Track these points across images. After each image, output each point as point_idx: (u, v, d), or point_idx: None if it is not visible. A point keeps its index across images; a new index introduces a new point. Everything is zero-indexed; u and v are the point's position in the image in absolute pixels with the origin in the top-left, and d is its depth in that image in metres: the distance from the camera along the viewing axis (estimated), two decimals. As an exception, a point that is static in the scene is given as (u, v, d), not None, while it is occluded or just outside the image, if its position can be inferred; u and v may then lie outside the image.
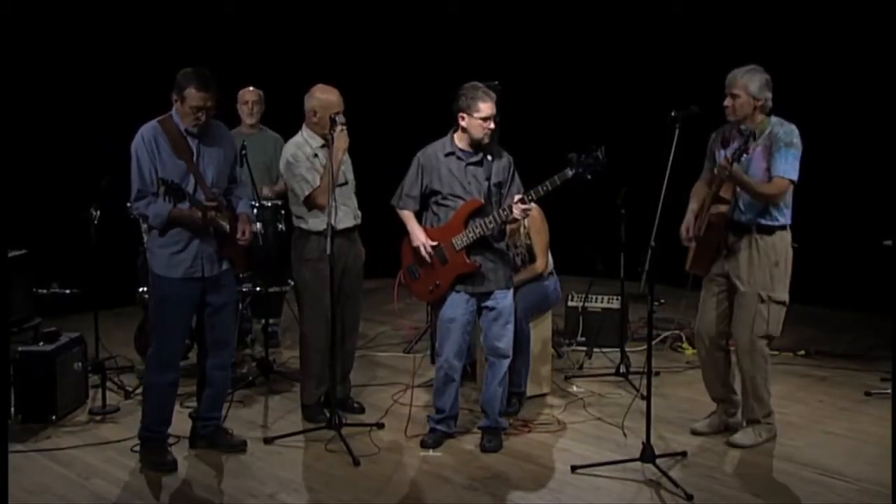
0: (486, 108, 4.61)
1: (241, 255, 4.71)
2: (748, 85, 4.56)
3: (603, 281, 6.73)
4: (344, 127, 4.94)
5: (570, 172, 4.43)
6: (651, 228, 5.09)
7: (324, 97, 5.04)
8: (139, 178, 4.42)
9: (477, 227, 4.63)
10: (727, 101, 4.62)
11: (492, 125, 4.65)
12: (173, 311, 4.53)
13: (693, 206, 4.86)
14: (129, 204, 4.66)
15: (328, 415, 4.94)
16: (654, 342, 5.09)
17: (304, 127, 5.17)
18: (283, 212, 5.87)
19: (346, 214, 5.12)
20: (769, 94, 4.60)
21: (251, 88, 6.60)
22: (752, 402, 4.76)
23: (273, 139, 6.56)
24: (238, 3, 8.20)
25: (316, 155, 5.04)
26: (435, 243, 4.72)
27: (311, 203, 5.03)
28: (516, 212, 4.51)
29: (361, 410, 5.39)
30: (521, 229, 5.44)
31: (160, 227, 4.44)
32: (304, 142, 5.11)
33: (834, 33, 7.39)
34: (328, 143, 4.90)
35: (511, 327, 4.81)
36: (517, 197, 4.55)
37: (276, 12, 8.49)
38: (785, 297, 4.68)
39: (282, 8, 8.52)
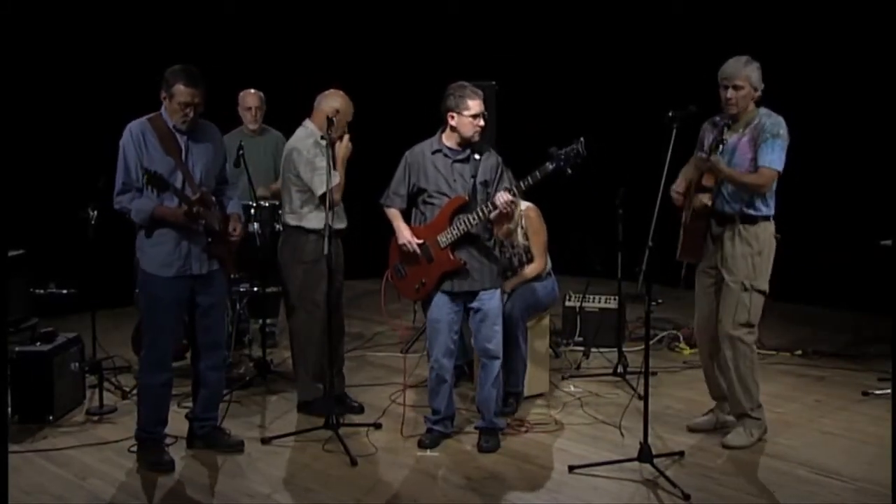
0: (475, 105, 4.62)
1: (230, 257, 4.70)
2: (750, 76, 4.56)
3: (600, 281, 6.73)
4: (348, 136, 5.08)
5: (550, 167, 4.44)
6: (648, 228, 5.10)
7: (346, 103, 5.15)
8: (124, 172, 4.41)
9: (461, 224, 4.63)
10: (730, 94, 4.59)
11: (482, 122, 4.66)
12: (165, 311, 4.52)
13: (679, 181, 4.80)
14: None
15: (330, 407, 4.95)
16: (651, 342, 5.09)
17: (308, 121, 5.17)
18: (280, 212, 5.87)
19: (340, 216, 5.22)
20: (762, 84, 4.61)
21: (252, 91, 6.54)
22: (739, 394, 4.75)
23: (276, 138, 6.54)
24: (237, 3, 8.20)
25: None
26: (421, 241, 4.72)
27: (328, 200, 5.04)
28: (500, 200, 4.49)
29: (361, 410, 5.40)
30: (519, 230, 5.43)
31: (143, 222, 4.43)
32: (312, 135, 5.13)
33: (833, 32, 7.40)
34: (329, 143, 4.93)
35: (499, 328, 4.80)
36: (504, 187, 4.58)
37: (273, 11, 8.48)
38: (765, 286, 4.70)
39: (279, 7, 8.52)
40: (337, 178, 4.99)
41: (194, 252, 4.52)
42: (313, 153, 5.05)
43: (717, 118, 4.77)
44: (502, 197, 4.50)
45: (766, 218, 4.67)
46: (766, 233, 4.67)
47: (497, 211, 4.55)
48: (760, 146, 4.56)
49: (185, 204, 4.38)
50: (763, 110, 4.65)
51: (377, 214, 5.00)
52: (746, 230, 4.64)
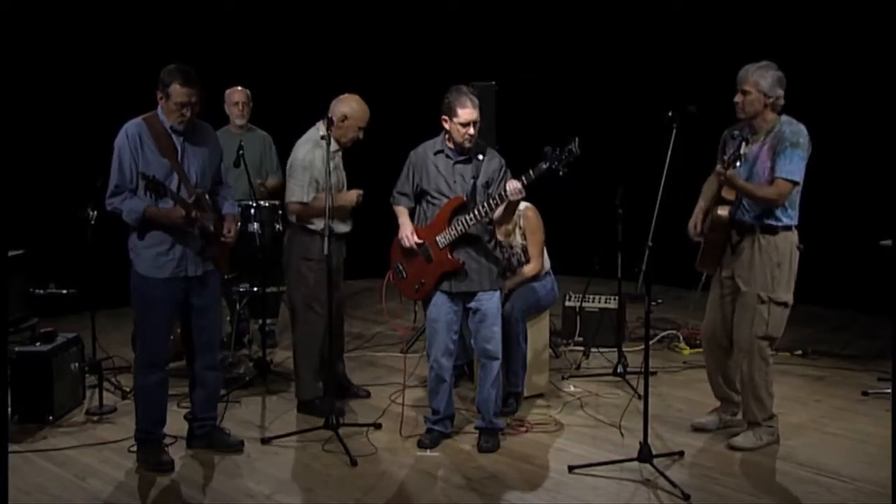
0: (464, 113, 4.58)
1: (224, 257, 4.69)
2: (759, 81, 4.48)
3: (600, 280, 6.72)
4: (360, 193, 5.19)
5: (543, 166, 4.42)
6: (648, 228, 5.11)
7: (358, 108, 5.13)
8: (118, 174, 4.39)
9: (459, 225, 4.63)
10: (737, 98, 4.54)
11: (471, 131, 4.62)
12: (158, 313, 4.51)
13: (702, 203, 4.79)
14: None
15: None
16: (651, 342, 5.09)
17: (321, 124, 5.13)
18: (280, 212, 5.88)
19: (344, 220, 5.24)
20: (781, 92, 4.51)
21: (239, 89, 6.54)
22: (752, 404, 4.74)
23: (261, 137, 6.56)
24: (235, 3, 8.20)
25: (334, 157, 5.04)
26: (420, 241, 4.72)
27: (301, 212, 5.06)
28: (510, 187, 4.45)
29: (367, 395, 5.53)
30: (517, 230, 5.43)
31: (135, 223, 4.40)
32: (312, 139, 5.12)
33: (832, 32, 7.39)
34: (340, 147, 4.97)
35: (498, 329, 4.80)
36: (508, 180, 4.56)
37: (272, 11, 8.47)
38: (787, 298, 4.62)
39: (278, 6, 8.51)
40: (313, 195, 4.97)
41: (189, 254, 4.50)
42: (310, 162, 5.03)
43: (737, 130, 4.67)
44: (512, 184, 4.46)
45: (788, 228, 4.57)
46: (787, 243, 4.58)
47: (505, 203, 4.52)
48: (778, 155, 4.46)
49: (181, 207, 4.37)
50: (784, 118, 4.56)
51: (377, 215, 5.01)
52: (766, 240, 4.56)
